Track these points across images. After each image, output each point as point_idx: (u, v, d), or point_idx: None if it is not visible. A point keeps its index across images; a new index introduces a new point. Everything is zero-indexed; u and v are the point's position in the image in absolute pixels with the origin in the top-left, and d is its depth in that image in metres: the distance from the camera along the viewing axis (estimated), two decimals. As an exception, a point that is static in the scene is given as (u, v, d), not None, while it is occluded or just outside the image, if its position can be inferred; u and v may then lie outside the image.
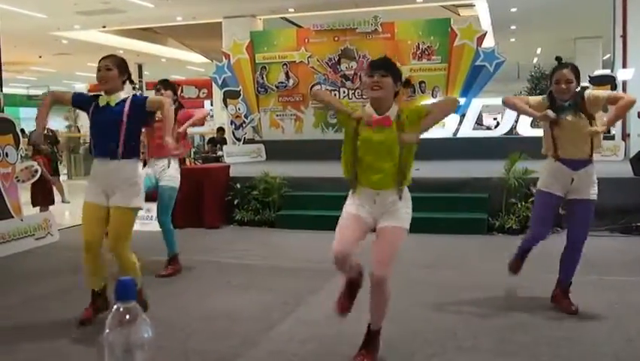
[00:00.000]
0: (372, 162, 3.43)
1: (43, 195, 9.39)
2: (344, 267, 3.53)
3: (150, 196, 5.68)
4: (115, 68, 4.27)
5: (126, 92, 4.34)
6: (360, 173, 3.49)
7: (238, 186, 8.83)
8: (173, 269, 5.81)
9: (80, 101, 4.43)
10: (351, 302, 3.75)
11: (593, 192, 4.38)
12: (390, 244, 3.45)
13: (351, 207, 3.55)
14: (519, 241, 4.93)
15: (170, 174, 5.85)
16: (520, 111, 4.70)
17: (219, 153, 13.74)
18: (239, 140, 13.03)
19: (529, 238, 4.71)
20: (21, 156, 7.49)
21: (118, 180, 4.21)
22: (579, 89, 4.38)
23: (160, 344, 3.52)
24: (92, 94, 4.48)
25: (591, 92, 4.40)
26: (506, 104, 4.63)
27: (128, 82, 4.39)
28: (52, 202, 9.70)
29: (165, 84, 6.04)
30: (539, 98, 4.53)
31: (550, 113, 4.28)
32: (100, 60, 4.32)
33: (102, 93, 4.30)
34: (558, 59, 4.55)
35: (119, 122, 4.17)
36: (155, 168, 5.88)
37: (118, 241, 4.21)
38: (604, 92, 4.47)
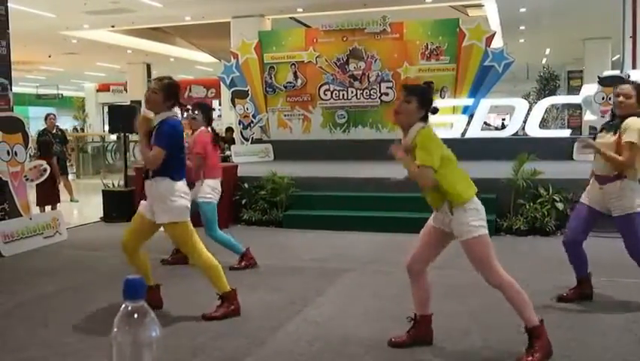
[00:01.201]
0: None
1: (47, 194, 9.39)
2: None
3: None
4: (160, 92, 4.36)
5: (168, 114, 4.37)
6: None
7: (246, 185, 8.84)
8: (245, 263, 6.10)
9: None
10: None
11: (624, 207, 4.37)
12: (472, 261, 3.65)
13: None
14: (528, 242, 4.92)
15: (203, 191, 5.98)
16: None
17: (227, 152, 13.76)
18: (247, 140, 13.04)
19: (563, 242, 4.82)
20: (30, 155, 7.52)
21: (155, 197, 4.36)
22: None
23: (168, 343, 3.53)
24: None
25: (631, 122, 4.30)
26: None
27: (177, 105, 4.51)
28: (58, 200, 9.70)
29: (200, 108, 6.18)
30: None
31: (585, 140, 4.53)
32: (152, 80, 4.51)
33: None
34: (628, 76, 4.54)
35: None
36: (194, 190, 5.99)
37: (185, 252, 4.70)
38: (629, 137, 4.26)
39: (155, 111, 4.36)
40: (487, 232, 3.61)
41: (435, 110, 3.62)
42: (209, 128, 6.15)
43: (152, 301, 4.31)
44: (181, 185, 4.38)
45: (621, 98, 4.36)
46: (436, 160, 3.49)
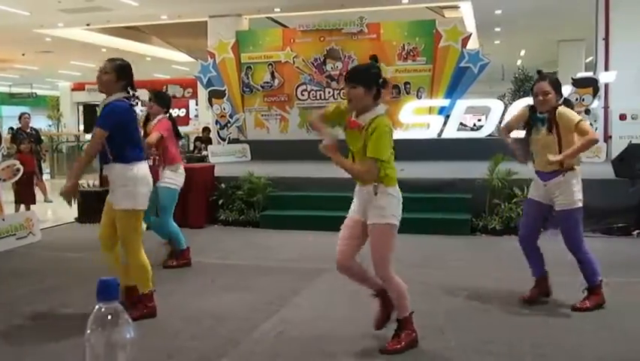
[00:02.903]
0: (356, 157, 3.66)
1: (29, 194, 9.30)
2: (347, 275, 3.84)
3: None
4: (112, 72, 4.31)
5: (119, 96, 4.33)
6: None
7: (223, 186, 8.80)
8: (180, 262, 6.10)
9: None
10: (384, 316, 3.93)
11: (566, 202, 4.45)
12: (373, 245, 3.66)
13: (352, 204, 3.83)
14: (503, 242, 4.97)
15: (167, 175, 5.99)
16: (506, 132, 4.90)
17: (204, 152, 13.69)
18: (224, 139, 12.99)
19: (519, 239, 4.84)
20: (2, 154, 7.41)
21: (113, 182, 4.32)
22: (561, 100, 4.47)
23: (143, 344, 3.51)
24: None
25: (564, 110, 4.40)
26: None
27: (130, 87, 4.43)
28: (34, 202, 9.61)
29: (156, 97, 6.23)
30: (522, 108, 4.72)
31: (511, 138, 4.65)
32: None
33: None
34: (539, 72, 4.70)
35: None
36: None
37: (123, 245, 4.36)
38: (575, 117, 4.35)
39: (107, 92, 4.32)
40: (397, 225, 3.67)
41: (385, 83, 3.64)
42: (169, 116, 6.19)
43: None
44: (137, 170, 4.30)
45: (541, 97, 4.40)
46: (387, 153, 3.57)
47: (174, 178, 6.05)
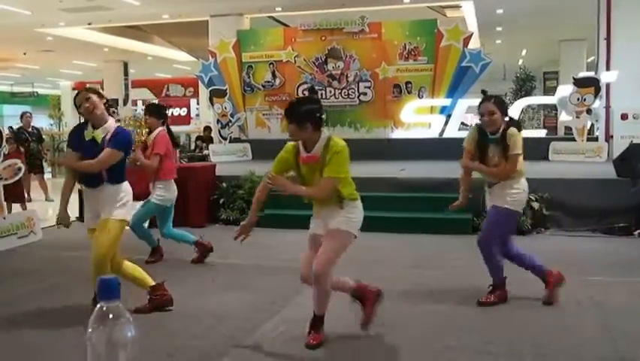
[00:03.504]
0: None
1: (17, 194, 9.26)
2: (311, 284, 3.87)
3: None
4: (93, 95, 4.42)
5: (113, 123, 4.51)
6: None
7: (224, 185, 8.80)
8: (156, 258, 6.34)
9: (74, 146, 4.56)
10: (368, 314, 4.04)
11: (504, 202, 4.64)
12: (328, 245, 3.77)
13: (311, 225, 3.99)
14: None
15: (158, 191, 6.14)
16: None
17: (205, 151, 13.69)
18: (225, 139, 12.99)
19: None
20: (3, 153, 7.42)
21: (104, 201, 4.41)
22: (507, 119, 4.63)
23: (144, 343, 3.51)
24: (77, 126, 4.64)
25: (514, 134, 4.55)
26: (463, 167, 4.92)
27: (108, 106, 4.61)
28: (23, 201, 9.54)
29: (149, 110, 6.40)
30: (471, 131, 4.87)
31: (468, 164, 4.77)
32: (75, 96, 4.55)
33: (88, 126, 4.47)
34: (483, 92, 4.85)
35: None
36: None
37: (97, 255, 4.32)
38: (517, 148, 4.53)
39: (97, 120, 4.41)
40: (356, 235, 3.86)
41: (321, 118, 3.77)
42: (166, 128, 6.29)
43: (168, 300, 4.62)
44: (127, 185, 4.54)
45: (486, 118, 4.57)
46: (346, 170, 3.77)
47: (165, 196, 6.16)
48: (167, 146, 6.13)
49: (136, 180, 6.53)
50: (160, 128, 6.16)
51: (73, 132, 4.61)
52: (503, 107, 4.64)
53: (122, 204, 4.42)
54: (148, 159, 5.99)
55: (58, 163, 4.68)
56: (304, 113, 3.74)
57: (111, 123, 4.46)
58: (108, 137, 4.38)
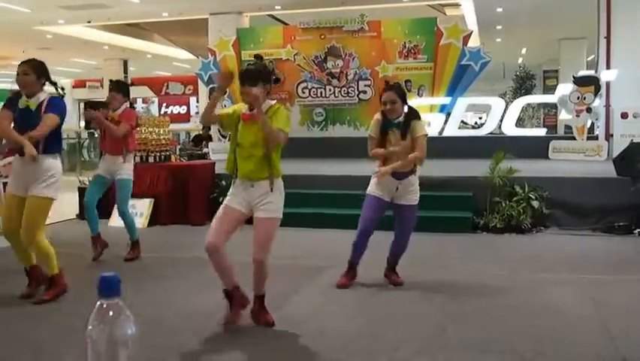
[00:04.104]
0: (246, 152, 4.06)
1: None
2: (214, 259, 4.07)
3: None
4: (32, 72, 4.67)
5: (46, 94, 4.75)
6: (238, 165, 4.11)
7: (224, 183, 8.78)
8: (136, 253, 6.39)
9: (10, 109, 4.76)
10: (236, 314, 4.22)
11: (415, 199, 5.05)
12: (261, 235, 4.13)
13: (228, 198, 4.17)
14: (504, 240, 4.96)
15: (127, 168, 6.27)
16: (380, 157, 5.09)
17: (205, 149, 13.68)
18: (224, 137, 12.96)
19: (358, 232, 5.19)
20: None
21: (37, 173, 4.63)
22: (406, 108, 4.97)
23: (144, 340, 3.49)
24: (13, 95, 4.85)
25: (416, 123, 4.93)
26: (373, 156, 5.12)
27: (48, 83, 4.84)
28: None
29: (117, 87, 6.48)
30: (375, 119, 5.09)
31: (382, 170, 4.94)
32: (18, 65, 4.76)
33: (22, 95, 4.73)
34: (387, 82, 5.24)
35: (39, 122, 4.59)
36: (108, 163, 6.29)
37: (28, 230, 4.64)
38: (421, 131, 4.91)
39: (31, 92, 4.66)
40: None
41: (277, 81, 4.21)
42: (130, 105, 6.51)
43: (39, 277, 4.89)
44: (60, 163, 4.86)
45: (389, 106, 4.90)
46: (289, 128, 4.12)
47: (130, 169, 6.35)
48: (135, 120, 6.36)
49: (136, 178, 6.60)
50: (126, 105, 6.33)
51: (10, 98, 4.82)
52: (403, 96, 4.99)
53: (52, 182, 4.69)
54: None
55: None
56: (267, 75, 4.18)
57: (42, 94, 4.70)
58: (44, 106, 4.62)
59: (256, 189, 4.09)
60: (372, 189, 5.10)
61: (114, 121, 6.19)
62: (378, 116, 5.07)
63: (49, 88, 4.91)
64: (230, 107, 4.35)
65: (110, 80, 6.68)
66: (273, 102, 4.19)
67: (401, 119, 4.93)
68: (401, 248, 5.23)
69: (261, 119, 3.94)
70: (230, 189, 4.21)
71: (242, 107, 4.22)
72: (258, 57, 4.43)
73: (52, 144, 4.70)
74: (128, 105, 6.43)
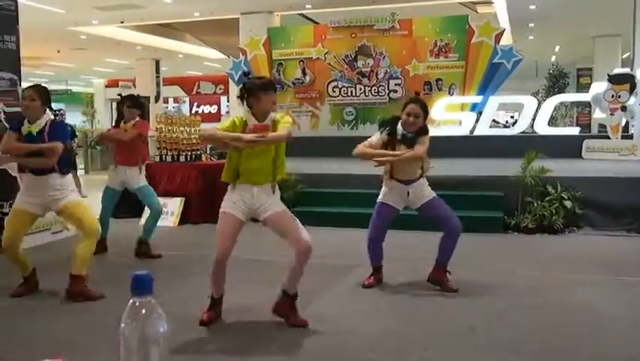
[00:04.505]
0: (255, 158, 4.07)
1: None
2: (220, 270, 4.14)
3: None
4: (39, 98, 4.80)
5: (47, 117, 4.88)
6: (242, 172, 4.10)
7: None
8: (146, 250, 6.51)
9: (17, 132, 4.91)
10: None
11: (431, 192, 5.03)
12: (284, 224, 4.16)
13: (227, 203, 4.16)
14: (535, 240, 4.90)
15: (142, 177, 6.52)
16: (367, 157, 5.04)
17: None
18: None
19: (368, 241, 5.22)
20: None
21: (56, 192, 4.84)
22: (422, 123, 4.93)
23: (175, 338, 3.54)
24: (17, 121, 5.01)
25: (424, 137, 4.92)
26: (356, 155, 5.05)
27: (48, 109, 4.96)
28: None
29: (136, 102, 6.68)
30: (378, 135, 5.01)
31: (392, 153, 4.88)
32: (24, 90, 4.98)
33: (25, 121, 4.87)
34: (417, 93, 5.30)
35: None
36: (122, 174, 6.48)
37: (92, 222, 4.93)
38: (425, 140, 4.90)
39: (34, 118, 4.80)
40: None
41: (246, 74, 4.24)
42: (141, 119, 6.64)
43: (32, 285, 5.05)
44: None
45: (412, 119, 4.83)
46: (290, 125, 4.12)
47: (144, 177, 6.60)
48: (147, 132, 6.63)
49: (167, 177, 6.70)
50: (138, 118, 6.49)
51: (17, 121, 4.96)
52: (427, 112, 4.97)
53: (72, 190, 4.96)
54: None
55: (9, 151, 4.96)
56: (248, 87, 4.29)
57: (44, 119, 4.83)
58: (47, 129, 4.78)
59: (261, 192, 4.13)
60: (383, 197, 5.12)
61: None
62: (384, 136, 4.97)
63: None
64: (228, 121, 4.32)
65: (124, 96, 6.86)
66: (275, 114, 4.23)
67: (412, 135, 4.88)
68: (454, 236, 5.07)
69: (270, 143, 4.05)
70: (229, 196, 4.18)
71: (241, 118, 4.24)
72: (246, 74, 4.58)
73: (63, 163, 4.89)
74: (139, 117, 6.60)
